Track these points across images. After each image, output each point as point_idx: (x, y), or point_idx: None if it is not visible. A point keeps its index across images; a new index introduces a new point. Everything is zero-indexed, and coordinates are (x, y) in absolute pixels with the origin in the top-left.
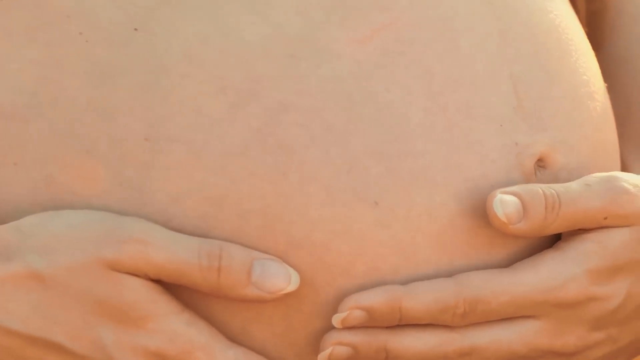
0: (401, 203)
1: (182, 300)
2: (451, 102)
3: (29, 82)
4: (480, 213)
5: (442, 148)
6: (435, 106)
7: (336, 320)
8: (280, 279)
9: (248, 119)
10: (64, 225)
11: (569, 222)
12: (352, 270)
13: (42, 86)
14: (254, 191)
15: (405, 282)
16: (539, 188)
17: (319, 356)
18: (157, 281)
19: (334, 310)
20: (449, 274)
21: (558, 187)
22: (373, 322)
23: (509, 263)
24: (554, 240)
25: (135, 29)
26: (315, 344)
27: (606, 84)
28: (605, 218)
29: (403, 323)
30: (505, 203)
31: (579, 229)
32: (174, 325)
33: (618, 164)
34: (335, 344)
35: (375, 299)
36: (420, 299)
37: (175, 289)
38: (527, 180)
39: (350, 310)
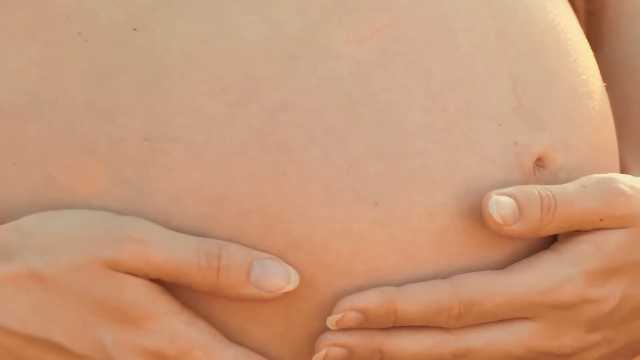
0: (401, 203)
1: (181, 300)
2: (451, 102)
3: (28, 82)
4: (480, 213)
5: (441, 148)
6: (434, 106)
7: (331, 321)
8: (279, 278)
9: (248, 118)
10: (63, 225)
11: (564, 223)
12: (351, 270)
13: (41, 86)
14: (254, 191)
15: (405, 282)
16: (534, 189)
17: (314, 357)
18: (157, 281)
19: None
20: (449, 273)
21: (554, 188)
22: (368, 324)
23: (508, 263)
24: (553, 241)
25: (135, 29)
26: (315, 344)
27: (605, 84)
28: (601, 219)
29: (398, 324)
30: (500, 204)
31: (575, 231)
32: (173, 325)
33: (617, 163)
34: (330, 345)
35: (370, 300)
36: (415, 300)
37: (175, 289)
38: (527, 180)
39: (345, 312)
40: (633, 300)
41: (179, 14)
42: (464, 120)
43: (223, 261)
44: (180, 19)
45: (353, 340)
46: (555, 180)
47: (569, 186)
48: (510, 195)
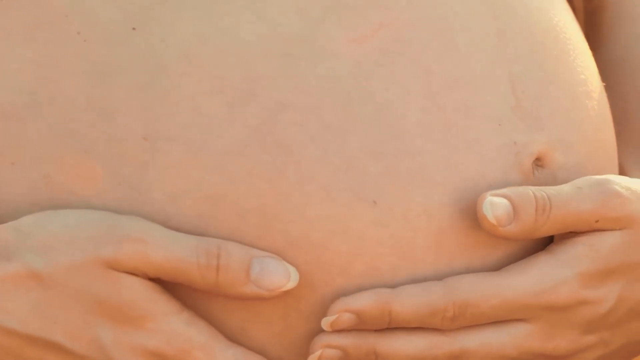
0: (399, 202)
1: (181, 300)
2: (449, 101)
3: (27, 82)
4: None
5: (440, 147)
6: (433, 105)
7: (325, 323)
8: (279, 276)
9: (246, 118)
10: (62, 224)
11: (560, 224)
12: (350, 269)
13: (40, 86)
14: (252, 190)
15: (404, 282)
16: (529, 190)
17: (309, 358)
18: (156, 280)
19: None
20: (448, 273)
21: (549, 189)
22: (363, 325)
23: (507, 262)
24: (551, 241)
25: (134, 28)
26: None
27: (604, 84)
28: (597, 221)
29: (393, 326)
30: (495, 205)
31: (571, 232)
32: (173, 324)
33: (616, 163)
34: (325, 346)
35: (364, 302)
36: (410, 302)
37: (174, 289)
38: (526, 180)
39: (340, 313)
40: (629, 301)
41: (178, 13)
42: (463, 119)
43: (222, 260)
44: (179, 18)
45: (348, 341)
46: (554, 180)
47: (565, 187)
48: (504, 196)
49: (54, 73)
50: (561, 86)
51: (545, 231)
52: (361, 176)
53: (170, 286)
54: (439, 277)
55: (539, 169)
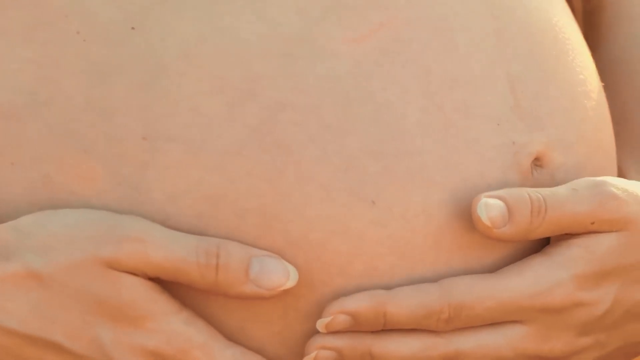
0: (398, 202)
1: (180, 299)
2: (448, 101)
3: (27, 82)
4: None
5: (439, 147)
6: (432, 105)
7: (320, 324)
8: (278, 275)
9: (245, 117)
10: (62, 224)
11: (555, 226)
12: (349, 269)
13: (40, 86)
14: (252, 190)
15: (402, 282)
16: (525, 192)
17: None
18: (156, 280)
19: None
20: (447, 273)
21: (545, 191)
22: (358, 327)
23: (506, 263)
24: (548, 243)
25: (133, 28)
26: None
27: (602, 84)
28: (593, 223)
29: (388, 328)
30: (489, 207)
31: (567, 234)
32: (172, 324)
33: (615, 163)
34: (320, 348)
35: (360, 303)
36: (405, 303)
37: (174, 288)
38: (524, 180)
39: (335, 315)
40: (625, 303)
41: (177, 13)
42: (462, 119)
43: (222, 259)
44: (178, 18)
45: (342, 343)
46: (553, 180)
47: (560, 189)
48: (499, 197)
49: (53, 73)
50: (560, 86)
51: (540, 233)
52: (360, 176)
53: (170, 286)
54: (438, 277)
55: (538, 168)
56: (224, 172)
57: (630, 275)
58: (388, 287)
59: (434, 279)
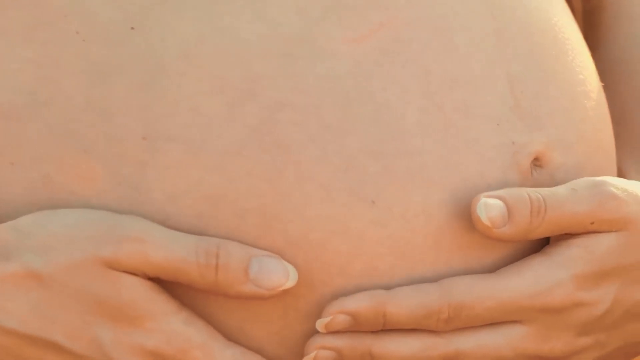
0: (398, 202)
1: (179, 299)
2: (448, 101)
3: (26, 82)
4: None
5: (439, 147)
6: (432, 105)
7: (320, 324)
8: (278, 275)
9: (245, 117)
10: (61, 224)
11: (555, 226)
12: (349, 269)
13: (40, 86)
14: (252, 190)
15: (402, 282)
16: (524, 192)
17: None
18: (155, 280)
19: None
20: (447, 273)
21: (544, 191)
22: (358, 327)
23: (506, 262)
24: (547, 242)
25: (133, 28)
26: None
27: (602, 83)
28: (592, 223)
29: (388, 328)
30: (489, 207)
31: (566, 234)
32: (172, 324)
33: (614, 163)
34: (319, 347)
35: (359, 303)
36: (405, 303)
37: (173, 288)
38: (524, 179)
39: (335, 315)
40: (625, 303)
41: (178, 13)
42: (462, 119)
43: (221, 259)
44: (178, 18)
45: (342, 343)
46: (552, 180)
47: (560, 189)
48: (499, 197)
49: (53, 73)
50: (560, 86)
51: (540, 233)
52: (360, 176)
53: (169, 286)
54: (438, 277)
55: (538, 168)
56: (224, 172)
57: (630, 275)
58: (388, 287)
59: (434, 279)
